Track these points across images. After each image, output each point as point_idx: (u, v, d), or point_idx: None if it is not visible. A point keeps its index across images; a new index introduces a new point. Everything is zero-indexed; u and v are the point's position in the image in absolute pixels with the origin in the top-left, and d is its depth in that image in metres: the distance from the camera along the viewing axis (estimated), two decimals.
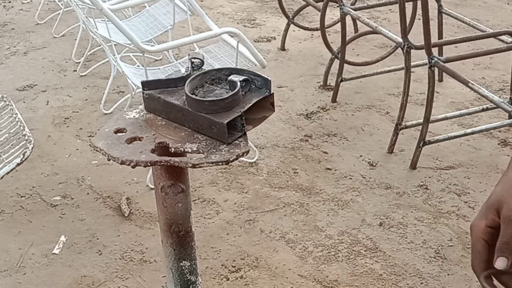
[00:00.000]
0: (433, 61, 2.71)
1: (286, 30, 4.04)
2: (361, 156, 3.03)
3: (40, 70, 3.87)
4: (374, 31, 3.25)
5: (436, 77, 3.11)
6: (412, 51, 2.90)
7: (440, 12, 3.39)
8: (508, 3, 4.82)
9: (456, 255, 2.45)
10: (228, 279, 2.32)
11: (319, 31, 3.58)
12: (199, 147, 1.00)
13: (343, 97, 3.50)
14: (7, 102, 2.38)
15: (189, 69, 1.10)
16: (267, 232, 2.55)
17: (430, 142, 2.91)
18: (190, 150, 1.01)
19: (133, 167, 0.98)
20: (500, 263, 0.81)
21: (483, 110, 3.12)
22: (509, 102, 2.91)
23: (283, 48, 4.06)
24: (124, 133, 1.04)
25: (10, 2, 5.00)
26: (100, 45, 3.36)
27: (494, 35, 3.01)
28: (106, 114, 3.33)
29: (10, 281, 2.29)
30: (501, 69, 3.76)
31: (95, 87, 3.62)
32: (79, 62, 3.80)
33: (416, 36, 3.01)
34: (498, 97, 2.79)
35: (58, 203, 2.71)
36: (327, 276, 2.33)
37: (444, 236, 2.54)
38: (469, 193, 2.79)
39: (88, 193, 2.77)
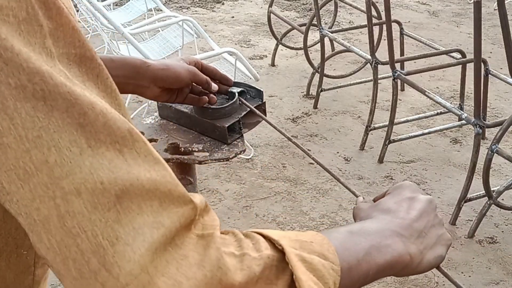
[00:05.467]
0: (396, 74, 2.71)
1: (275, 49, 4.04)
2: (338, 152, 3.03)
3: None
4: (348, 50, 3.25)
5: (399, 87, 3.11)
6: (379, 66, 2.90)
7: (401, 34, 3.39)
8: (457, 26, 4.82)
9: None
10: None
11: (303, 50, 3.58)
12: (204, 147, 1.00)
13: (323, 104, 3.50)
14: None
15: None
16: (261, 216, 2.54)
17: (394, 141, 2.91)
18: (196, 149, 1.00)
19: None
20: None
21: (437, 114, 3.13)
22: (459, 107, 2.91)
23: (273, 64, 4.06)
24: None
25: None
26: None
27: (446, 53, 3.02)
28: None
29: None
30: (452, 80, 3.77)
31: None
32: None
33: (382, 53, 3.01)
34: (450, 103, 2.79)
35: None
36: None
37: None
38: (426, 182, 2.79)
39: None
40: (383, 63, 2.86)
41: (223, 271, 0.45)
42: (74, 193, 0.41)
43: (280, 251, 0.51)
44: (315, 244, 0.54)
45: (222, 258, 0.46)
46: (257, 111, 1.02)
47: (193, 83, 1.00)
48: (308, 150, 3.15)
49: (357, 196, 0.76)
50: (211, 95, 1.02)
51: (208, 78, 1.00)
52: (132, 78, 0.94)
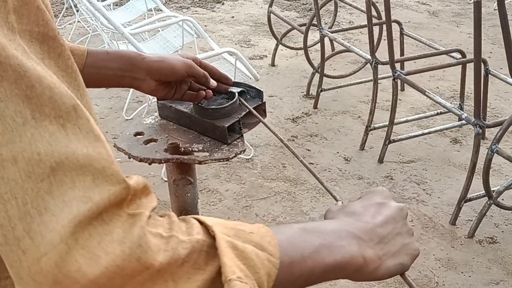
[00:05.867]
0: (396, 74, 2.71)
1: (275, 49, 4.04)
2: (338, 152, 3.03)
3: None
4: (348, 50, 3.25)
5: (399, 87, 3.11)
6: (379, 66, 2.90)
7: (401, 34, 3.39)
8: (457, 26, 4.82)
9: (416, 233, 2.45)
10: None
11: (303, 50, 3.58)
12: (204, 147, 1.00)
13: (323, 104, 3.50)
14: None
15: None
16: (261, 216, 2.54)
17: (394, 141, 2.91)
18: (196, 150, 1.00)
19: (150, 164, 0.97)
20: None
21: (437, 114, 3.12)
22: (459, 107, 2.91)
23: (273, 64, 4.05)
24: (142, 136, 1.03)
25: None
26: None
27: (446, 53, 3.02)
28: (127, 120, 3.32)
29: None
30: (452, 80, 3.77)
31: (118, 98, 3.61)
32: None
33: (382, 53, 3.01)
34: (450, 103, 2.79)
35: None
36: None
37: None
38: (426, 182, 2.79)
39: None
40: (383, 63, 2.86)
41: (143, 249, 0.46)
42: (11, 161, 0.43)
43: (213, 238, 0.51)
44: (255, 235, 0.54)
45: (144, 236, 0.46)
46: (255, 112, 1.01)
47: (191, 77, 0.99)
48: (308, 150, 3.16)
49: (337, 201, 0.76)
50: (208, 90, 1.01)
51: (205, 72, 1.00)
52: (127, 70, 0.94)
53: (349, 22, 4.84)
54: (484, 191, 2.37)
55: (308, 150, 3.05)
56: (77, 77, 0.50)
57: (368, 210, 0.65)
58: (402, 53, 3.44)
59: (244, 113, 1.03)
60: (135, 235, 0.46)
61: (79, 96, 0.49)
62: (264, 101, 1.08)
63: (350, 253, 0.60)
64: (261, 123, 1.05)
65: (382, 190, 0.69)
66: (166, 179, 2.31)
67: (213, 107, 1.02)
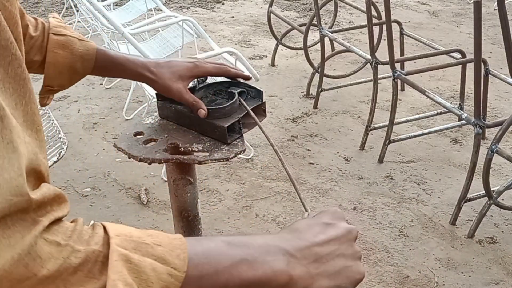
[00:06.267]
0: (396, 74, 2.71)
1: (275, 49, 4.04)
2: (338, 152, 3.03)
3: None
4: (348, 50, 3.24)
5: (399, 87, 3.11)
6: (379, 66, 2.90)
7: (401, 34, 3.39)
8: (457, 26, 4.82)
9: (417, 233, 2.45)
10: None
11: (303, 50, 3.58)
12: (204, 147, 1.00)
13: (323, 104, 3.50)
14: (45, 111, 2.37)
15: (195, 82, 1.09)
16: (261, 216, 2.54)
17: (394, 141, 2.91)
18: (196, 150, 1.00)
19: (150, 164, 0.97)
20: None
21: (437, 114, 3.12)
22: (459, 107, 2.91)
23: (273, 64, 4.06)
24: (142, 136, 1.03)
25: None
26: None
27: (446, 52, 3.02)
28: (127, 120, 3.32)
29: None
30: (452, 80, 3.77)
31: (118, 98, 3.61)
32: (105, 77, 3.78)
33: (382, 53, 3.01)
34: (450, 103, 2.79)
35: (88, 194, 2.70)
36: None
37: (406, 217, 2.54)
38: (426, 182, 2.79)
39: (113, 185, 2.76)
40: (383, 63, 2.86)
41: (31, 257, 0.48)
42: None
43: None
44: (162, 248, 0.55)
45: (35, 245, 0.48)
46: (252, 113, 1.01)
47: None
48: (308, 150, 3.16)
49: (305, 211, 0.75)
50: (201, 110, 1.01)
51: (194, 102, 1.02)
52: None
53: (349, 22, 4.84)
54: (484, 191, 2.37)
55: (308, 150, 3.05)
56: (25, 85, 0.53)
57: (312, 228, 0.64)
58: (402, 53, 3.44)
59: (244, 113, 1.03)
60: (26, 242, 0.48)
61: (24, 103, 0.52)
62: (264, 101, 1.08)
63: (274, 270, 0.59)
64: (261, 122, 1.05)
65: (335, 211, 0.68)
66: (166, 179, 2.31)
67: (213, 107, 1.02)
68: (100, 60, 1.00)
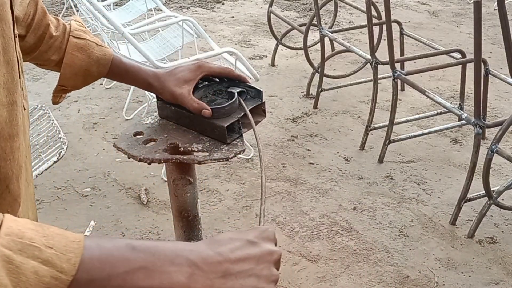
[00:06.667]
0: (396, 74, 2.71)
1: (275, 49, 4.04)
2: (338, 152, 3.03)
3: None
4: (348, 50, 3.25)
5: (399, 87, 3.11)
6: (379, 66, 2.90)
7: (401, 34, 3.39)
8: (457, 26, 4.82)
9: (416, 233, 2.45)
10: None
11: (303, 50, 3.58)
12: (203, 147, 1.00)
13: (323, 104, 3.50)
14: (46, 111, 2.37)
15: (203, 83, 1.09)
16: None
17: (394, 141, 2.91)
18: (196, 149, 1.00)
19: (149, 163, 0.97)
20: None
21: (437, 114, 3.12)
22: (459, 107, 2.91)
23: (273, 64, 4.06)
24: (142, 136, 1.03)
25: None
26: None
27: (446, 52, 3.02)
28: (127, 120, 3.32)
29: None
30: (452, 80, 3.77)
31: (118, 98, 3.61)
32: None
33: (382, 53, 3.01)
34: (450, 103, 2.79)
35: (88, 193, 2.70)
36: (310, 252, 2.33)
37: (406, 217, 2.54)
38: (426, 182, 2.79)
39: (113, 185, 2.76)
40: (383, 63, 2.86)
41: None
42: None
43: None
44: (52, 250, 0.55)
45: None
46: (249, 115, 1.01)
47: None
48: (308, 150, 3.16)
49: (259, 224, 0.74)
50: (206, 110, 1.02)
51: (198, 105, 1.02)
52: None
53: (349, 22, 4.84)
54: (484, 191, 2.37)
55: (308, 150, 3.05)
56: None
57: (232, 243, 0.63)
58: (402, 53, 3.44)
59: (244, 113, 1.03)
60: None
61: None
62: (264, 101, 1.08)
63: (172, 281, 0.59)
64: (260, 122, 1.05)
65: (265, 230, 0.67)
66: (166, 179, 2.32)
67: (213, 107, 1.02)
68: (115, 66, 1.04)
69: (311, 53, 3.65)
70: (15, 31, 0.75)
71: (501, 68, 3.53)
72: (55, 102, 1.08)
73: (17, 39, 0.76)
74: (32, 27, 0.96)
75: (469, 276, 2.23)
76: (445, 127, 3.08)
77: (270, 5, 3.95)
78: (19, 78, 0.76)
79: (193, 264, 0.60)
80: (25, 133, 0.80)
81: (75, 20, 1.05)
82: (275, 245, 0.67)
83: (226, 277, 0.61)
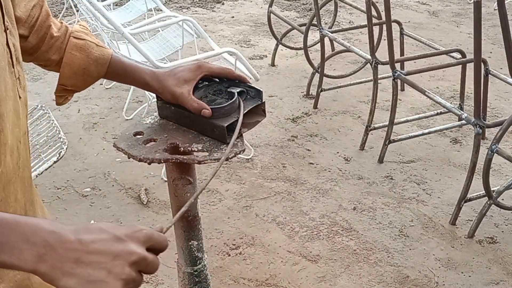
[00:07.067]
0: (396, 74, 2.71)
1: (275, 49, 4.04)
2: (338, 152, 3.03)
3: None
4: (348, 50, 3.25)
5: (399, 87, 3.11)
6: (379, 66, 2.90)
7: (401, 34, 3.39)
8: (457, 26, 4.82)
9: (416, 233, 2.45)
10: (229, 255, 2.31)
11: (303, 50, 3.58)
12: (203, 147, 1.00)
13: (323, 104, 3.50)
14: (46, 111, 2.37)
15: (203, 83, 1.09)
16: (261, 216, 2.54)
17: (394, 141, 2.91)
18: (196, 149, 1.00)
19: (149, 163, 0.97)
20: None
21: (437, 114, 3.13)
22: (459, 107, 2.91)
23: (273, 64, 4.06)
24: (142, 136, 1.03)
25: None
26: None
27: (446, 52, 3.02)
28: (127, 120, 3.32)
29: None
30: (452, 80, 3.77)
31: (118, 98, 3.61)
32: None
33: (382, 53, 3.01)
34: (450, 103, 2.79)
35: (88, 193, 2.70)
36: (310, 252, 2.33)
37: (406, 217, 2.54)
38: (426, 182, 2.79)
39: (113, 185, 2.76)
40: (383, 63, 2.86)
41: None
42: None
43: None
44: None
45: None
46: (241, 118, 1.01)
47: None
48: (308, 150, 3.16)
49: (160, 229, 0.73)
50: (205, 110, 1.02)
51: (198, 105, 1.02)
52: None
53: (349, 22, 4.84)
54: (484, 191, 2.37)
55: (308, 150, 3.05)
56: None
57: (98, 234, 0.64)
58: (402, 53, 3.44)
59: (244, 112, 1.03)
60: None
61: None
62: (264, 101, 1.08)
63: (19, 258, 0.61)
64: (260, 122, 1.05)
65: (138, 230, 0.66)
66: (166, 179, 2.31)
67: (212, 106, 1.02)
68: (114, 66, 1.05)
69: (311, 53, 3.65)
70: (5, 23, 0.77)
71: (501, 68, 3.53)
72: (58, 103, 1.09)
73: (8, 30, 0.78)
74: (35, 28, 0.98)
75: (469, 276, 2.23)
76: (445, 127, 3.08)
77: (270, 5, 3.95)
78: (13, 67, 0.79)
79: (48, 245, 0.62)
80: (20, 119, 0.82)
81: (79, 24, 1.07)
82: (147, 248, 0.66)
83: (78, 263, 0.62)
